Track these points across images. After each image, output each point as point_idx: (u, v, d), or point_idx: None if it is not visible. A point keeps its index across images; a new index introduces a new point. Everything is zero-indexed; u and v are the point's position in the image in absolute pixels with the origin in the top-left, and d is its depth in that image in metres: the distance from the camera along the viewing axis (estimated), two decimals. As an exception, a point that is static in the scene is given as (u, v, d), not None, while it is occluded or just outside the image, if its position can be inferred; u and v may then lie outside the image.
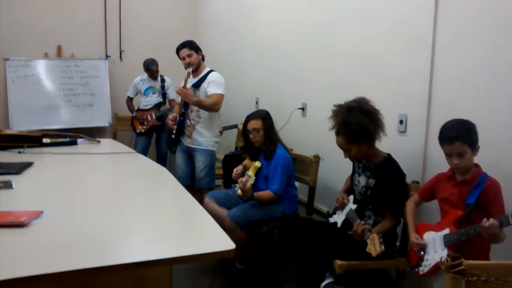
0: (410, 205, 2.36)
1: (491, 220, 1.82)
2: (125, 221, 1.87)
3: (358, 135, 2.42)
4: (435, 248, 2.08)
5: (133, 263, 1.46)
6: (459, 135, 1.99)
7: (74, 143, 3.74)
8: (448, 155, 2.04)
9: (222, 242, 1.61)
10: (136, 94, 5.52)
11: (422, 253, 2.13)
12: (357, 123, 2.40)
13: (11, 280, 1.29)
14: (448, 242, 2.00)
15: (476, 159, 2.07)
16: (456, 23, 2.39)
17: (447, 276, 1.41)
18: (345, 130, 2.44)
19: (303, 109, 3.83)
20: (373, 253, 2.18)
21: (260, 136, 3.17)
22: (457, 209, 2.04)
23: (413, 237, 2.19)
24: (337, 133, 2.51)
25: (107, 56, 6.06)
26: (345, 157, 2.57)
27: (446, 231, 2.04)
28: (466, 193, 2.02)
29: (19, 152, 3.24)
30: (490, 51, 2.20)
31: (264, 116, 3.22)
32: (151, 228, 1.80)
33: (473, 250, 1.95)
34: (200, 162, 3.83)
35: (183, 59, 3.79)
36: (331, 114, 2.56)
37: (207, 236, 1.74)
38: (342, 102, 2.54)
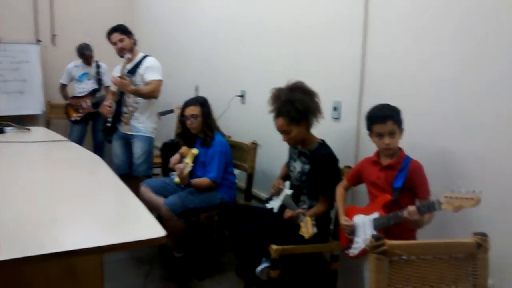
0: (339, 190, 2.42)
1: (410, 208, 1.90)
2: (55, 210, 1.81)
3: (301, 114, 2.44)
4: (365, 231, 2.14)
5: (59, 252, 1.42)
6: (391, 114, 2.07)
7: (1, 131, 3.55)
8: (379, 135, 2.09)
9: (153, 230, 1.59)
10: (70, 80, 5.30)
11: (351, 235, 2.21)
12: (301, 101, 2.43)
13: None
14: (377, 226, 2.07)
15: (405, 143, 2.16)
16: (387, 10, 2.46)
17: (371, 256, 1.47)
18: (288, 110, 2.44)
19: (242, 96, 3.83)
20: (306, 236, 2.24)
21: (197, 123, 3.14)
22: (384, 192, 2.12)
23: (343, 219, 2.25)
24: (278, 115, 2.51)
25: (38, 41, 5.77)
26: (284, 140, 2.58)
27: (375, 215, 2.10)
28: (392, 177, 2.10)
29: None
30: (419, 38, 2.27)
31: (202, 103, 3.19)
32: (82, 217, 1.75)
33: (401, 231, 2.02)
34: (138, 149, 3.76)
35: (114, 44, 3.68)
36: (270, 97, 2.57)
37: (139, 224, 1.72)
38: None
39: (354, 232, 2.19)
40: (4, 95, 5.57)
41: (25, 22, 5.71)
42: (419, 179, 2.07)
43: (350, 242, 2.21)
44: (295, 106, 2.43)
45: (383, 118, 2.07)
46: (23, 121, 4.51)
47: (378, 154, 2.22)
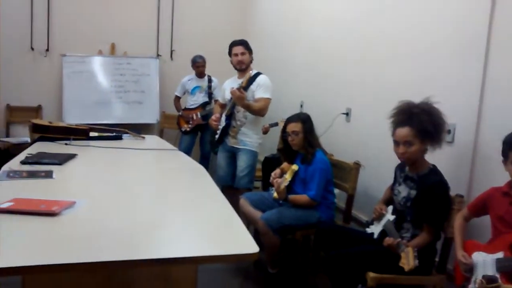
0: (458, 220, 2.21)
1: None
2: (156, 217, 1.88)
3: (431, 131, 2.31)
4: (485, 271, 1.88)
5: (156, 259, 1.46)
6: None
7: (119, 138, 3.83)
8: None
9: (247, 245, 1.58)
10: (184, 93, 5.61)
11: (468, 273, 1.97)
12: (438, 118, 2.32)
13: (34, 268, 1.32)
14: (501, 268, 1.82)
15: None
16: (512, 30, 2.25)
17: (482, 299, 1.31)
18: (421, 120, 2.31)
19: (347, 114, 3.74)
20: (406, 268, 2.08)
21: (299, 139, 3.11)
22: None
23: (460, 254, 2.04)
24: (406, 124, 2.35)
25: (158, 55, 6.21)
26: (400, 151, 2.38)
27: (500, 254, 1.86)
28: None
29: (66, 144, 3.35)
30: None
31: (304, 120, 3.16)
32: (179, 226, 1.80)
33: None
34: (243, 162, 3.82)
35: (235, 55, 3.79)
36: (396, 107, 2.45)
37: (233, 238, 1.72)
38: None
39: (472, 271, 1.96)
40: (125, 105, 6.06)
41: (148, 38, 6.20)
42: None
43: (467, 281, 1.97)
44: (432, 119, 2.31)
45: None
46: (139, 129, 4.86)
47: (510, 185, 1.98)
